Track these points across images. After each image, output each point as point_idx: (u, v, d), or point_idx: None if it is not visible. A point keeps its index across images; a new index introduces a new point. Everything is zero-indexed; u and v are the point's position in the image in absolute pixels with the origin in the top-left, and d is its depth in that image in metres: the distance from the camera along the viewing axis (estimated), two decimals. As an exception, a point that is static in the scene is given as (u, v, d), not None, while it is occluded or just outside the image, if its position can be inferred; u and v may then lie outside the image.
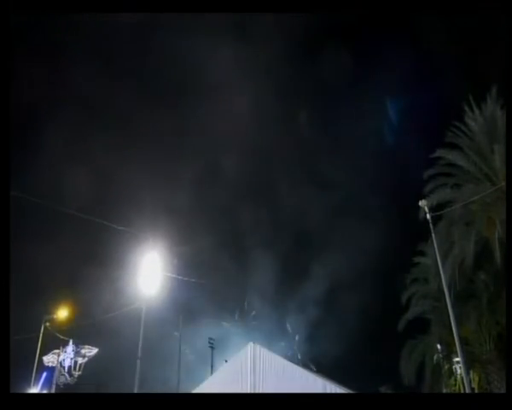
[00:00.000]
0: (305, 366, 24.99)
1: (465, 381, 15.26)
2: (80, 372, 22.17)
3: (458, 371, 19.20)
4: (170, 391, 23.96)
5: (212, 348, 32.84)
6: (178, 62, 45.45)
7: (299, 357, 37.34)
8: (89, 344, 22.91)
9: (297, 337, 39.94)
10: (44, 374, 23.25)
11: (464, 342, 17.07)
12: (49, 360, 22.08)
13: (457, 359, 17.30)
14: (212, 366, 30.90)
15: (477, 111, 19.14)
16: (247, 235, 43.39)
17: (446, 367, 20.47)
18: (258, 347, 21.69)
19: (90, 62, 44.10)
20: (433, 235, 16.69)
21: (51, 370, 22.35)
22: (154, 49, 47.06)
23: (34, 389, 22.16)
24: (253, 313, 41.71)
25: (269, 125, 49.83)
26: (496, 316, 17.59)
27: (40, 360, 21.93)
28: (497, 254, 15.92)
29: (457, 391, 19.64)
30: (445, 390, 20.84)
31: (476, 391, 18.69)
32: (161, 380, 27.48)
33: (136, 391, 14.34)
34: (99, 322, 22.84)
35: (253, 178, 49.42)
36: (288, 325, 40.79)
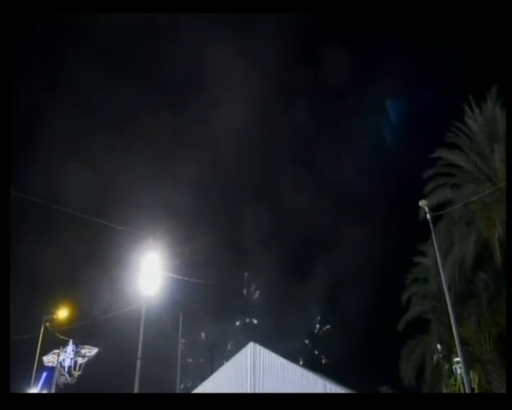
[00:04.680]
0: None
1: (465, 381, 15.25)
2: (80, 372, 22.13)
3: (458, 371, 19.20)
4: (170, 391, 23.95)
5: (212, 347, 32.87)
6: (178, 62, 45.46)
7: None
8: (89, 344, 22.87)
9: (302, 335, 40.03)
10: (44, 374, 23.22)
11: (464, 342, 17.06)
12: (49, 360, 22.03)
13: (457, 359, 17.29)
14: (211, 366, 30.90)
15: (477, 111, 19.13)
16: (248, 234, 43.39)
17: (446, 367, 20.47)
18: (258, 347, 21.69)
19: (90, 62, 44.07)
20: (433, 235, 16.68)
21: (51, 370, 22.30)
22: (153, 49, 47.09)
23: (34, 389, 22.13)
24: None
25: (269, 124, 49.84)
26: (496, 316, 17.59)
27: (40, 360, 21.90)
28: (497, 254, 15.92)
29: (457, 391, 19.64)
30: (445, 390, 20.84)
31: (476, 391, 18.69)
32: (161, 380, 27.47)
33: (136, 391, 14.34)
34: (99, 322, 22.84)
35: (253, 177, 49.44)
36: (288, 324, 40.81)
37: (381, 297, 33.12)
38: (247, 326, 42.05)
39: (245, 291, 43.36)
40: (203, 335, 40.70)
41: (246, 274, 43.96)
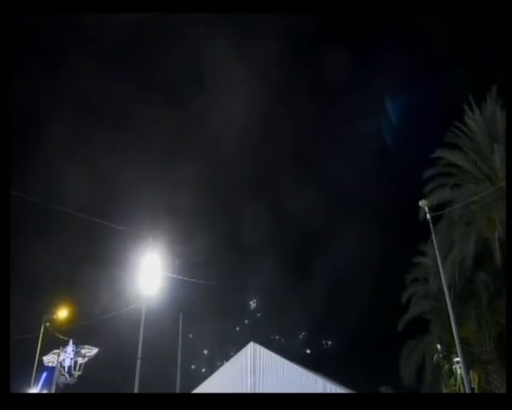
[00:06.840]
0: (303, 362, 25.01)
1: (465, 381, 15.25)
2: (80, 372, 22.13)
3: (458, 371, 19.18)
4: (170, 391, 23.94)
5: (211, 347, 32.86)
6: (178, 62, 45.44)
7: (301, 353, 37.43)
8: (89, 344, 22.88)
9: (302, 335, 40.03)
10: (44, 374, 23.23)
11: (464, 342, 17.06)
12: (49, 360, 22.04)
13: (457, 359, 17.28)
14: (211, 366, 30.92)
15: (477, 111, 19.15)
16: (248, 234, 43.42)
17: (446, 367, 20.45)
18: (258, 347, 21.70)
19: (89, 62, 44.11)
20: (433, 235, 16.68)
21: (51, 370, 22.31)
22: (154, 50, 47.09)
23: (34, 389, 22.13)
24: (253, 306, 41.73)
25: (269, 125, 49.83)
26: (496, 316, 17.58)
27: (40, 360, 21.91)
28: (497, 254, 15.93)
29: (457, 391, 19.62)
30: (445, 390, 20.82)
31: (476, 391, 18.67)
32: (161, 380, 27.47)
33: (136, 391, 14.34)
34: (99, 322, 22.85)
35: (253, 177, 49.46)
36: (288, 324, 40.85)
37: (381, 297, 33.14)
38: (247, 326, 42.05)
39: (245, 291, 43.35)
40: (203, 335, 40.70)
41: (246, 276, 43.98)
